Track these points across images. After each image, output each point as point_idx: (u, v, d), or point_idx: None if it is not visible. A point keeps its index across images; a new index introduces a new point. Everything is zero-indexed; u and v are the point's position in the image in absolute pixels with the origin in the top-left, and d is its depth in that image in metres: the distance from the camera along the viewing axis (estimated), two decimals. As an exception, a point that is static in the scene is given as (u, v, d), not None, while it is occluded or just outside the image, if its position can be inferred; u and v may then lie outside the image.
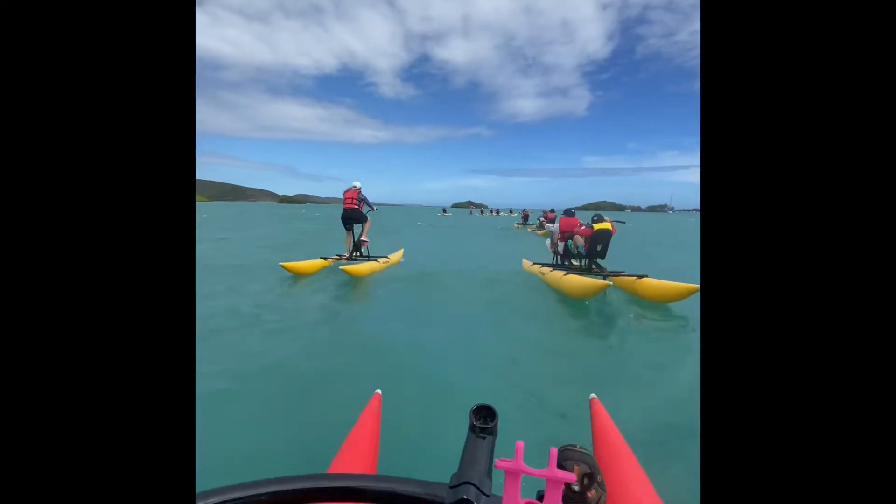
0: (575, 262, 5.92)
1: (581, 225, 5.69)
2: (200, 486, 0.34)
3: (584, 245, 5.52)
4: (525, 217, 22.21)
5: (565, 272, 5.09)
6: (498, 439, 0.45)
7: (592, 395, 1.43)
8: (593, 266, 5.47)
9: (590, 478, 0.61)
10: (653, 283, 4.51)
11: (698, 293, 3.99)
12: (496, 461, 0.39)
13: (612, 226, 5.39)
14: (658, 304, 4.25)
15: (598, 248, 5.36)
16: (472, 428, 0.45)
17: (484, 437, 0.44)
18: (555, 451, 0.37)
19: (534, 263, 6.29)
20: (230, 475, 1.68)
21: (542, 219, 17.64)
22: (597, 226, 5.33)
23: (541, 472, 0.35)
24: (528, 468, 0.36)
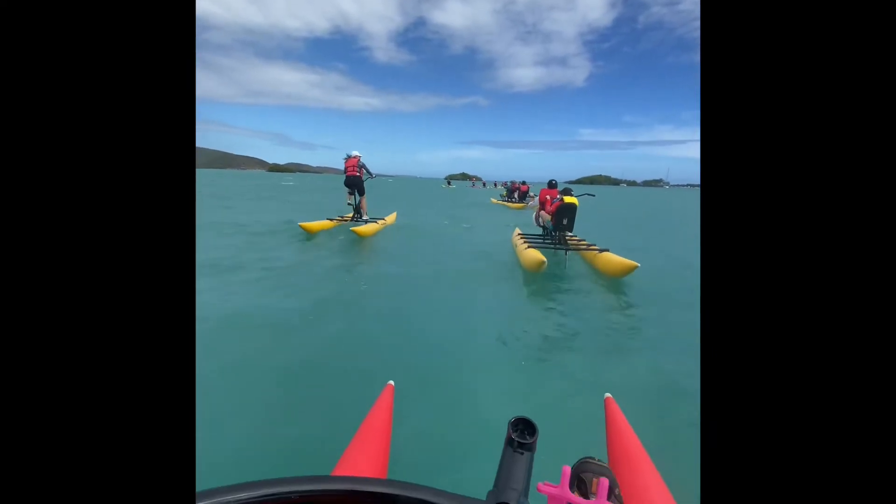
0: (545, 236, 6.01)
1: (551, 198, 5.73)
2: (209, 473, 0.32)
3: (551, 220, 5.59)
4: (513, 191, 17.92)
5: (529, 245, 5.18)
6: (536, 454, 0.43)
7: (607, 395, 1.33)
8: (561, 239, 5.56)
9: (612, 493, 0.57)
10: (606, 258, 4.62)
11: (636, 269, 4.10)
12: (539, 485, 0.38)
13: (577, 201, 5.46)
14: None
15: (565, 221, 5.43)
16: (509, 442, 0.43)
17: (522, 454, 0.42)
18: (605, 481, 0.37)
19: (520, 234, 6.29)
20: (235, 449, 1.58)
21: (513, 189, 16.25)
22: (564, 199, 5.39)
23: (589, 502, 0.35)
24: (575, 497, 0.36)
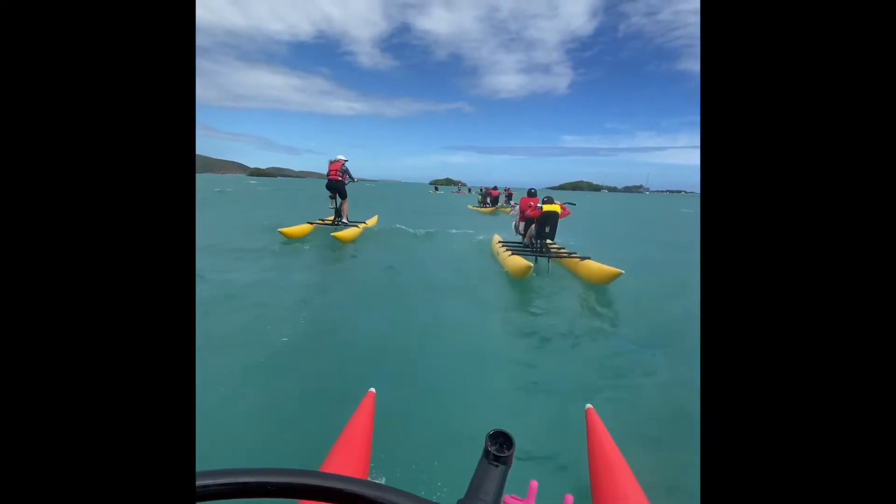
0: (526, 242, 6.00)
1: (534, 206, 5.73)
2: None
3: (533, 227, 5.58)
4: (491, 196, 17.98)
5: (511, 252, 5.15)
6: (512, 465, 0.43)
7: (589, 406, 1.35)
8: (543, 247, 5.56)
9: None
10: (588, 266, 4.63)
11: (620, 276, 4.12)
12: (506, 497, 0.37)
13: (563, 208, 5.45)
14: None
15: (547, 229, 5.42)
16: (485, 454, 0.43)
17: (497, 466, 0.42)
18: (570, 498, 0.36)
19: (500, 241, 6.30)
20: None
21: (486, 194, 17.67)
22: (545, 207, 5.37)
23: None
24: None
